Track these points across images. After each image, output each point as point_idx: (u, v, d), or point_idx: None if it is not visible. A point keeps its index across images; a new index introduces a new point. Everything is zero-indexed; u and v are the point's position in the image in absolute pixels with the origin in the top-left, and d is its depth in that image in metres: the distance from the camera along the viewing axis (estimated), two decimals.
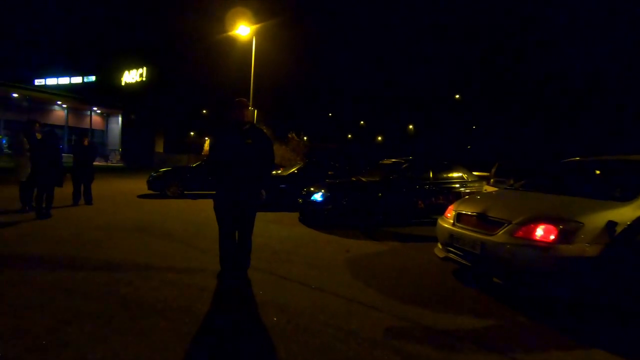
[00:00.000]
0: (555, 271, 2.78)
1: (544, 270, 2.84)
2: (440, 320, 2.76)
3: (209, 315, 2.71)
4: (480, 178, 7.53)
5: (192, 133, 42.18)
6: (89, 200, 7.88)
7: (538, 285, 2.87)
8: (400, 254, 4.73)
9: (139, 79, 36.36)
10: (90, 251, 4.22)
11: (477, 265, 3.34)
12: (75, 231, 5.21)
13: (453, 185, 7.06)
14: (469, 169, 7.68)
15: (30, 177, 6.35)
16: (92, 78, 39.05)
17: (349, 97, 56.06)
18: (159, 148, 35.39)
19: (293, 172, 9.09)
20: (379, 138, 56.83)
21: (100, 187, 9.98)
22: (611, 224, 2.74)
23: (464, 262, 3.46)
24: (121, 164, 29.79)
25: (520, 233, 3.00)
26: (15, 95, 26.58)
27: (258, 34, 14.73)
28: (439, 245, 3.97)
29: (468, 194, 6.86)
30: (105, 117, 35.98)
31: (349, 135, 56.57)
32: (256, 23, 14.73)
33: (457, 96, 47.52)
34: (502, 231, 3.10)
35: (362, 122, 57.58)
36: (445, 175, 7.21)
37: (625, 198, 2.99)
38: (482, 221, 3.35)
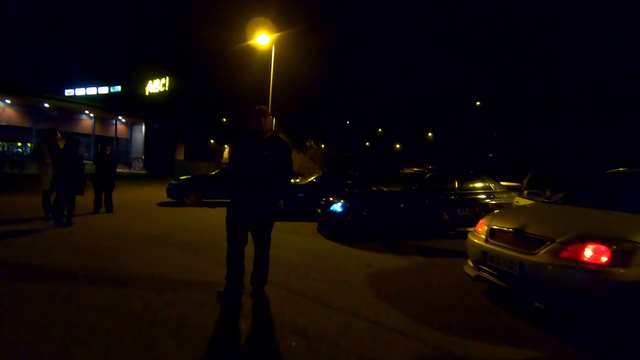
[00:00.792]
0: (610, 299, 2.47)
1: (595, 297, 2.52)
2: (473, 349, 2.49)
3: (222, 338, 2.55)
4: (508, 188, 7.15)
5: (212, 141, 42.92)
6: (109, 208, 7.95)
7: (588, 314, 2.55)
8: (426, 271, 4.45)
9: (161, 89, 37.44)
10: (106, 262, 4.15)
11: (515, 287, 3.04)
12: (94, 240, 5.19)
13: (479, 197, 6.70)
14: (494, 178, 7.31)
15: (52, 186, 6.44)
16: (118, 88, 40.51)
17: (368, 105, 55.81)
18: (180, 156, 36.10)
19: (311, 181, 8.92)
20: (397, 146, 56.13)
21: (121, 194, 10.13)
22: None
23: (499, 282, 3.16)
24: (143, 171, 30.52)
25: (565, 253, 2.70)
26: (46, 105, 27.76)
27: (277, 43, 14.81)
28: (470, 263, 3.68)
29: (496, 205, 6.50)
30: (130, 125, 37.10)
31: (367, 143, 56.16)
32: (275, 32, 14.82)
33: (478, 103, 46.47)
34: (544, 250, 2.80)
35: (380, 130, 57.12)
36: (471, 186, 6.86)
37: None
38: (520, 238, 3.05)
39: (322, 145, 22.89)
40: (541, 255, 2.81)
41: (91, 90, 40.89)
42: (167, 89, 37.25)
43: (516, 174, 11.96)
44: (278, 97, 15.75)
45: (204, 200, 10.03)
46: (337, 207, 6.27)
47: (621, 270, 2.45)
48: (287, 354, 2.34)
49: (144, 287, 3.38)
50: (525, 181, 5.52)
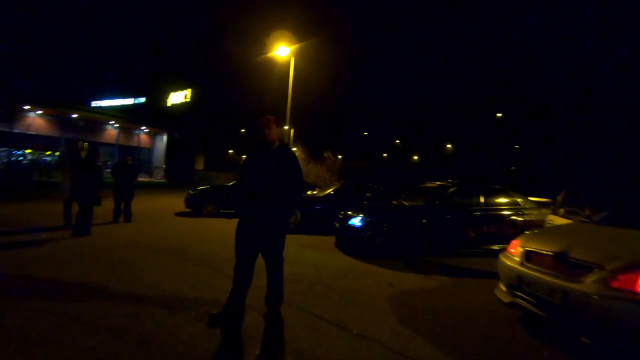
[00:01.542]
0: None
1: None
2: None
3: None
4: (538, 204, 6.75)
5: (230, 151, 43.53)
6: (128, 218, 7.98)
7: None
8: (452, 293, 4.15)
9: (183, 100, 38.43)
10: (120, 275, 4.06)
11: (556, 317, 2.73)
12: (109, 251, 5.15)
13: (507, 212, 6.32)
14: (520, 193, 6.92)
15: (72, 195, 6.51)
16: (142, 99, 41.85)
17: (385, 116, 55.52)
18: (199, 165, 36.69)
19: (329, 193, 8.73)
20: (415, 157, 55.31)
21: (141, 203, 10.22)
22: None
23: (537, 311, 2.86)
24: (164, 180, 31.10)
25: (616, 283, 2.40)
26: (74, 115, 28.83)
27: (296, 54, 14.89)
28: (502, 287, 3.38)
29: (525, 222, 6.13)
30: (152, 135, 38.08)
31: (384, 155, 55.63)
32: (294, 44, 14.91)
33: (499, 114, 45.35)
34: (592, 279, 2.50)
35: (397, 141, 56.54)
36: (497, 201, 6.49)
37: None
38: (562, 264, 2.76)
39: (339, 157, 22.74)
40: (588, 284, 2.50)
41: (116, 102, 42.40)
42: (188, 100, 38.21)
43: (539, 188, 11.40)
44: (296, 108, 15.76)
45: (221, 210, 9.99)
46: (356, 221, 6.04)
47: None
48: None
49: (155, 304, 3.25)
50: (559, 197, 5.14)
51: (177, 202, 12.06)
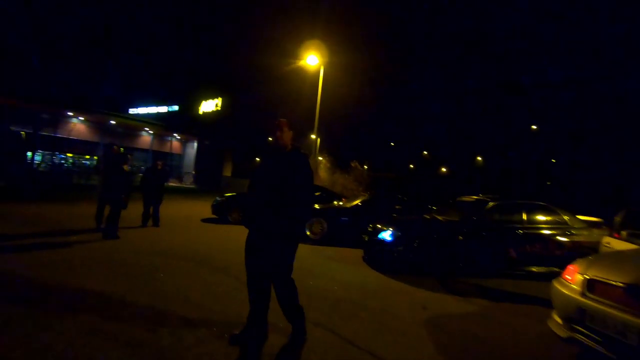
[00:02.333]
0: None
1: None
2: None
3: None
4: (588, 224, 6.15)
5: (257, 159, 44.16)
6: (156, 222, 8.06)
7: None
8: (495, 320, 3.75)
9: (214, 109, 39.49)
10: (143, 284, 3.95)
11: None
12: (135, 257, 5.12)
13: (552, 232, 5.79)
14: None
15: (102, 197, 6.64)
16: (176, 107, 43.42)
17: (414, 126, 54.60)
18: (227, 172, 37.39)
19: (357, 204, 8.45)
20: (443, 169, 53.78)
21: (169, 208, 10.36)
22: None
23: (604, 351, 2.45)
24: (193, 186, 31.90)
25: None
26: (112, 122, 30.33)
27: (325, 64, 14.86)
28: (557, 319, 2.97)
29: (574, 244, 5.59)
30: (184, 142, 39.33)
31: (411, 165, 54.53)
32: (324, 54, 14.90)
33: (534, 127, 43.30)
34: None
35: (425, 152, 55.32)
36: (541, 219, 5.96)
37: None
38: (637, 298, 2.36)
39: (366, 167, 22.36)
40: None
41: (152, 110, 44.26)
42: (219, 108, 39.22)
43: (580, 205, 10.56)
44: (324, 117, 15.67)
45: None
46: (387, 235, 5.72)
47: None
48: None
49: (176, 318, 3.09)
50: (618, 218, 4.61)
51: (204, 208, 12.16)
